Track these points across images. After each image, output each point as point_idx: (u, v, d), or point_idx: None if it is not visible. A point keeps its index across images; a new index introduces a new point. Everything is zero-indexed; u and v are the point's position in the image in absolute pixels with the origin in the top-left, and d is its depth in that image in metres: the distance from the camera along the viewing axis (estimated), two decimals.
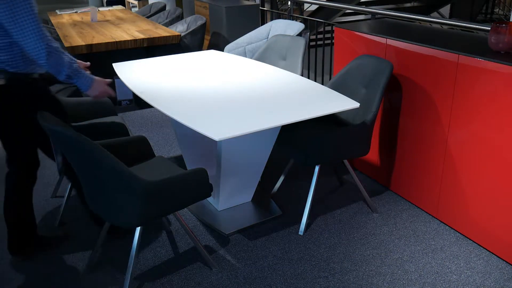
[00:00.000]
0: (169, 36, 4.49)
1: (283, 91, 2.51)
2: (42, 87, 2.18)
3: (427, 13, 10.12)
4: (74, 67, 2.08)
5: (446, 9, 10.77)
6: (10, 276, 2.28)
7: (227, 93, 2.47)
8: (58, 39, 4.61)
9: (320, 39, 4.77)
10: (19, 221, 2.31)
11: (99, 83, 2.21)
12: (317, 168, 2.59)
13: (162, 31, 4.66)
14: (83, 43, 4.15)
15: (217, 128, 2.01)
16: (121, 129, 2.70)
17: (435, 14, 10.70)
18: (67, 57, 2.08)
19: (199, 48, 5.01)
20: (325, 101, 2.35)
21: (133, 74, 2.85)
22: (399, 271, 2.27)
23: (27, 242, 2.37)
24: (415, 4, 10.17)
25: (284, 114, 2.18)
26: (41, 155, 2.32)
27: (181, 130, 2.78)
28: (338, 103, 2.33)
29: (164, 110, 2.22)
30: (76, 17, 5.82)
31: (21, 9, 1.92)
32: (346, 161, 2.72)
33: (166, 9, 6.61)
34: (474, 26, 3.06)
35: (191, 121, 2.08)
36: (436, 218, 2.68)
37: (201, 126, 2.03)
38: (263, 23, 5.88)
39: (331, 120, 2.88)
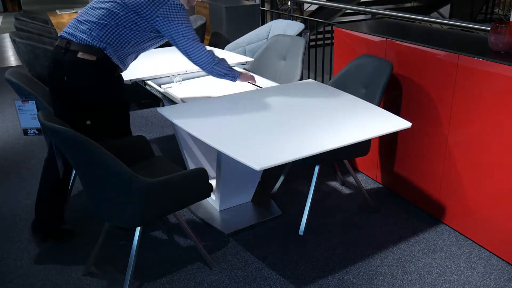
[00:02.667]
0: None
1: (326, 110, 2.30)
2: (119, 76, 2.36)
3: (427, 13, 10.12)
4: (228, 68, 2.44)
5: (446, 9, 10.76)
6: (10, 276, 2.28)
7: (263, 115, 2.27)
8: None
9: (320, 39, 4.77)
10: (54, 203, 2.42)
11: (243, 75, 2.58)
12: (317, 168, 2.59)
13: None
14: None
15: (257, 156, 1.85)
16: None
17: (435, 14, 10.69)
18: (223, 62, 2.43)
19: None
20: (371, 122, 2.15)
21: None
22: (399, 271, 2.27)
23: (55, 224, 2.48)
24: (415, 4, 10.16)
25: (327, 138, 1.99)
26: (44, 155, 2.32)
27: (182, 130, 2.78)
28: (389, 124, 2.14)
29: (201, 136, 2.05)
30: None
31: (182, 25, 2.26)
32: (346, 161, 2.72)
33: None
34: (474, 26, 3.06)
35: (229, 147, 1.92)
36: (436, 218, 2.68)
37: (239, 152, 1.88)
38: (263, 23, 5.88)
39: None
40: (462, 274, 2.24)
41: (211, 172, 2.88)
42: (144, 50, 2.37)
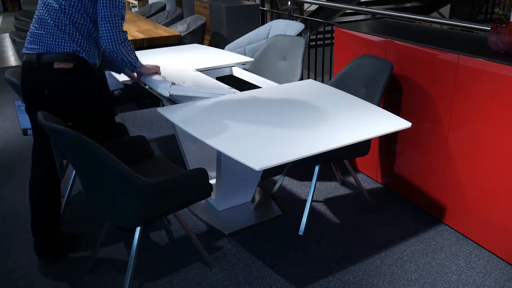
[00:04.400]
0: (169, 36, 4.49)
1: (327, 110, 2.28)
2: (100, 79, 2.32)
3: (427, 13, 10.12)
4: (134, 56, 2.34)
5: (446, 9, 10.76)
6: (10, 276, 2.28)
7: (264, 115, 2.24)
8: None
9: (320, 39, 4.77)
10: (48, 223, 2.32)
11: (145, 67, 2.55)
12: (317, 168, 2.59)
13: (162, 31, 4.66)
14: None
15: (257, 156, 1.83)
16: (121, 129, 2.70)
17: (435, 14, 10.69)
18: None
19: None
20: (371, 122, 2.14)
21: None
22: (399, 271, 2.27)
23: (55, 244, 2.38)
24: (415, 4, 10.16)
25: (328, 138, 1.98)
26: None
27: (182, 130, 2.78)
28: (389, 124, 2.13)
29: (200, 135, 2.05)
30: None
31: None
32: (346, 161, 2.72)
33: (166, 9, 6.61)
34: (474, 26, 3.06)
35: (228, 147, 1.90)
36: (436, 218, 2.68)
37: (239, 152, 1.86)
38: (263, 23, 5.88)
39: None
40: (462, 274, 2.24)
41: (211, 172, 2.88)
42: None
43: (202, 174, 2.05)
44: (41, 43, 2.13)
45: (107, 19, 2.13)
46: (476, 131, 2.32)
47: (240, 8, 5.28)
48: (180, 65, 3.13)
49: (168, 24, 5.81)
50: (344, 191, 3.01)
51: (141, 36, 4.43)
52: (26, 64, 2.18)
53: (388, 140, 2.92)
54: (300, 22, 4.17)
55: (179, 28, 5.40)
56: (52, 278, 2.25)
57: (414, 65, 2.61)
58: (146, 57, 3.32)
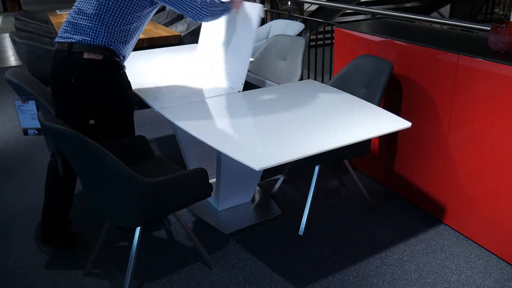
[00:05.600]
0: (169, 36, 4.49)
1: (327, 110, 2.28)
2: (125, 76, 2.35)
3: (427, 13, 10.12)
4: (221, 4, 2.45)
5: (446, 9, 10.76)
6: (10, 276, 2.28)
7: (263, 115, 2.23)
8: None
9: (320, 39, 4.77)
10: (60, 209, 2.39)
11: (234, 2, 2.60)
12: (317, 168, 2.59)
13: (162, 31, 4.66)
14: None
15: (256, 156, 1.83)
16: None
17: (435, 14, 10.69)
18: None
19: None
20: (371, 122, 2.14)
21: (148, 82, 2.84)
22: (399, 271, 2.27)
23: (60, 229, 2.45)
24: (415, 4, 10.16)
25: (328, 138, 1.97)
26: (44, 155, 2.31)
27: (181, 130, 2.78)
28: (389, 124, 2.12)
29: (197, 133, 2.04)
30: None
31: None
32: (346, 161, 2.72)
33: (166, 9, 6.61)
34: (474, 26, 3.06)
35: (228, 147, 1.89)
36: (436, 218, 2.68)
37: (238, 152, 1.86)
38: (263, 23, 5.88)
39: None
40: (462, 274, 2.24)
41: (211, 172, 2.88)
42: (141, 28, 2.35)
43: (202, 174, 2.05)
44: (75, 33, 2.17)
45: (180, 5, 2.28)
46: (476, 131, 2.32)
47: None
48: (180, 65, 3.13)
49: (168, 24, 5.81)
50: (344, 191, 3.01)
51: (141, 36, 4.43)
52: (57, 53, 2.22)
53: (388, 140, 2.92)
54: (300, 22, 4.17)
55: (179, 28, 5.40)
56: (52, 278, 2.25)
57: (414, 65, 2.62)
58: (146, 57, 3.32)
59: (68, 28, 2.21)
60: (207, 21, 2.44)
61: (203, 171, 2.05)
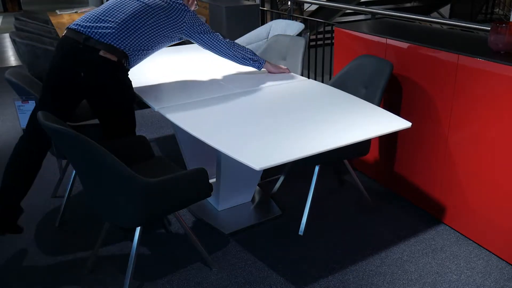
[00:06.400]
0: None
1: (327, 111, 2.26)
2: (129, 78, 2.40)
3: (427, 13, 10.12)
4: (251, 53, 2.67)
5: (446, 9, 10.77)
6: (10, 276, 2.28)
7: (263, 115, 2.22)
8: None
9: (320, 39, 4.77)
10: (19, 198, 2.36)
11: (270, 65, 2.82)
12: (317, 168, 2.59)
13: None
14: None
15: (256, 155, 1.83)
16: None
17: (435, 14, 10.70)
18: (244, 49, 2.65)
19: None
20: (371, 122, 2.13)
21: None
22: (399, 271, 2.27)
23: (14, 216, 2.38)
24: (415, 4, 10.17)
25: (328, 138, 1.97)
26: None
27: (181, 130, 2.78)
28: (389, 124, 2.11)
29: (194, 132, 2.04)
30: (76, 17, 5.82)
31: (201, 28, 2.48)
32: (346, 161, 2.72)
33: None
34: (474, 26, 3.06)
35: (228, 147, 1.89)
36: (436, 218, 2.68)
37: (239, 152, 1.86)
38: (263, 23, 5.88)
39: None
40: (462, 274, 2.24)
41: (211, 172, 2.88)
42: (156, 50, 2.47)
43: (202, 174, 2.05)
44: (99, 29, 2.19)
45: (201, 39, 2.50)
46: (476, 131, 2.32)
47: (240, 8, 5.28)
48: (180, 65, 3.13)
49: None
50: (344, 191, 3.01)
51: None
52: (69, 41, 2.21)
53: (388, 140, 2.92)
54: (300, 22, 4.17)
55: None
56: (52, 278, 2.25)
57: (414, 65, 2.62)
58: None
59: (91, 20, 2.21)
60: (237, 61, 2.64)
61: (203, 171, 2.05)
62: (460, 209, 2.51)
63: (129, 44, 2.22)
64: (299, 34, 3.75)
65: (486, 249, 2.41)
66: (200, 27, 2.47)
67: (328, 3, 4.87)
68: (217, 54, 2.59)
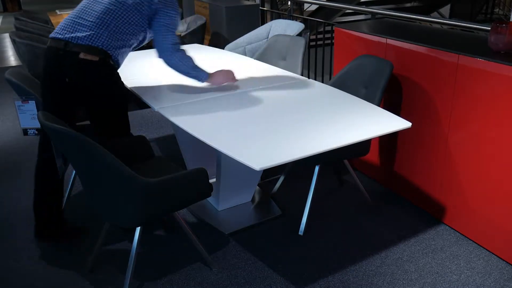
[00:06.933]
0: None
1: (327, 110, 2.26)
2: (119, 77, 2.37)
3: (427, 13, 10.12)
4: (192, 65, 2.46)
5: (446, 9, 10.77)
6: (10, 276, 2.28)
7: (263, 115, 2.22)
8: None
9: (320, 39, 4.77)
10: (53, 205, 2.43)
11: (215, 75, 2.57)
12: (317, 168, 2.59)
13: None
14: None
15: (256, 156, 1.82)
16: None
17: (435, 14, 10.70)
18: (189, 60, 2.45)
19: None
20: (371, 122, 2.13)
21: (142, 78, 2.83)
22: (399, 271, 2.27)
23: (58, 226, 2.49)
24: (415, 4, 10.17)
25: (328, 138, 1.97)
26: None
27: (181, 130, 2.78)
28: (389, 124, 2.11)
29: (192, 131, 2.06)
30: None
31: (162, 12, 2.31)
32: (346, 161, 2.72)
33: None
34: (474, 26, 3.06)
35: (228, 147, 1.89)
36: (436, 218, 2.68)
37: (239, 152, 1.85)
38: (263, 23, 5.88)
39: None
40: (462, 274, 2.24)
41: (211, 172, 2.88)
42: (134, 46, 2.42)
43: (202, 174, 2.05)
44: (74, 31, 2.19)
45: (159, 32, 2.33)
46: (476, 131, 2.32)
47: (240, 8, 5.28)
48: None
49: None
50: (344, 191, 3.01)
51: None
52: (52, 50, 2.22)
53: (388, 140, 2.92)
54: (300, 22, 4.17)
55: (179, 28, 5.39)
56: (52, 278, 2.25)
57: (414, 65, 2.62)
58: (146, 57, 3.32)
59: (68, 26, 2.22)
60: (172, 66, 2.43)
61: (203, 171, 2.05)
62: (460, 209, 2.51)
63: (106, 42, 2.20)
64: (299, 34, 3.75)
65: (486, 249, 2.41)
66: (169, 19, 2.32)
67: (328, 3, 4.87)
68: (162, 58, 2.42)
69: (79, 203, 2.88)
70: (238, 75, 2.82)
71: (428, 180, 2.68)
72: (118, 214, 1.97)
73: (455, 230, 2.57)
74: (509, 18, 10.05)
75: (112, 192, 1.90)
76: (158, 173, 2.20)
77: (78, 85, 2.22)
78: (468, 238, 2.50)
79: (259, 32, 4.18)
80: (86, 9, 2.24)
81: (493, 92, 2.20)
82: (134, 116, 4.41)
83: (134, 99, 4.49)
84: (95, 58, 2.18)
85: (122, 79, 2.38)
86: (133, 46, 2.38)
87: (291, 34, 3.64)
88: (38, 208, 2.42)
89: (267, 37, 4.11)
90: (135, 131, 4.02)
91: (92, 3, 2.25)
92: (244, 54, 4.13)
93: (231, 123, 2.14)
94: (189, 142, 2.83)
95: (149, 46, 4.45)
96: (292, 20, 4.42)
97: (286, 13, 5.35)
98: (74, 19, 2.24)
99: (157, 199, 1.94)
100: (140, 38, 2.38)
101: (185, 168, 2.90)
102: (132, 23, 2.25)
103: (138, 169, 2.25)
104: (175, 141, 3.78)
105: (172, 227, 2.62)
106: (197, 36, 4.96)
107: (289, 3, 5.51)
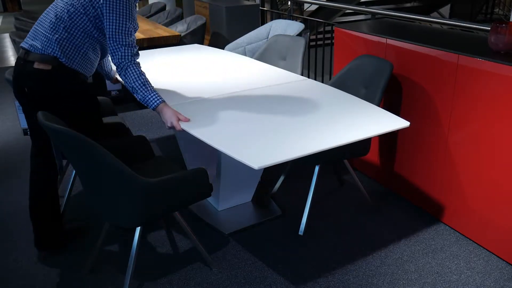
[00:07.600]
0: (169, 36, 4.49)
1: (327, 110, 2.26)
2: (83, 82, 2.23)
3: (427, 13, 10.13)
4: (143, 81, 2.14)
5: (446, 9, 10.77)
6: (10, 277, 2.28)
7: (263, 115, 2.22)
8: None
9: (320, 39, 4.78)
10: (49, 215, 2.35)
11: (166, 111, 2.16)
12: (317, 168, 2.59)
13: (162, 31, 4.66)
14: None
15: (256, 155, 1.82)
16: (120, 128, 2.70)
17: (435, 14, 10.70)
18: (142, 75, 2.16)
19: None
20: (370, 121, 2.13)
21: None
22: (399, 271, 2.27)
23: (56, 235, 2.42)
24: (415, 4, 10.17)
25: (328, 138, 1.96)
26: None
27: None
28: (387, 123, 2.11)
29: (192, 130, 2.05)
30: None
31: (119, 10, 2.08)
32: (346, 161, 2.72)
33: (166, 9, 6.62)
34: (474, 26, 3.06)
35: (228, 147, 1.88)
36: (436, 218, 2.68)
37: (238, 151, 1.85)
38: (263, 23, 5.88)
39: None
40: (462, 274, 2.24)
41: (211, 172, 2.88)
42: (101, 55, 2.29)
43: (202, 174, 2.05)
44: (34, 40, 2.14)
45: (112, 35, 2.09)
46: (476, 131, 2.32)
47: (240, 8, 5.28)
48: (180, 65, 3.13)
49: (168, 24, 5.81)
50: (344, 191, 3.01)
51: (141, 36, 4.43)
52: (17, 60, 2.19)
53: (388, 140, 2.92)
54: (300, 22, 4.17)
55: (179, 28, 5.40)
56: (52, 278, 2.25)
57: (414, 65, 2.62)
58: (146, 57, 3.32)
59: (31, 34, 2.17)
60: (119, 73, 2.15)
61: (203, 171, 2.05)
62: (460, 209, 2.51)
63: (58, 49, 2.09)
64: (299, 34, 3.75)
65: (486, 249, 2.41)
66: (122, 23, 2.09)
67: (328, 3, 4.87)
68: (116, 67, 2.16)
69: (79, 203, 2.88)
70: (238, 75, 2.82)
71: (428, 180, 2.68)
72: (118, 214, 1.97)
73: (455, 230, 2.57)
74: (509, 18, 10.04)
75: (112, 192, 1.91)
76: (158, 173, 2.20)
77: (35, 95, 2.15)
78: (468, 238, 2.51)
79: (259, 32, 4.18)
80: (44, 15, 2.17)
81: (493, 92, 2.20)
82: (134, 116, 4.41)
83: (134, 99, 4.49)
84: (48, 67, 2.10)
85: None
86: (91, 52, 2.20)
87: (291, 34, 3.64)
88: (35, 218, 2.34)
89: (267, 37, 4.11)
90: (135, 131, 4.02)
91: (49, 9, 2.18)
92: (244, 54, 4.13)
93: (231, 122, 2.14)
94: (189, 142, 2.83)
95: (149, 47, 4.45)
96: (292, 20, 4.42)
97: (286, 13, 5.36)
98: (35, 26, 2.18)
99: (157, 199, 1.94)
100: (99, 44, 2.23)
101: (185, 168, 2.90)
102: (80, 27, 2.12)
103: (138, 169, 2.25)
104: (175, 141, 3.78)
105: (171, 227, 2.63)
106: (197, 36, 4.96)
107: (289, 3, 5.51)
